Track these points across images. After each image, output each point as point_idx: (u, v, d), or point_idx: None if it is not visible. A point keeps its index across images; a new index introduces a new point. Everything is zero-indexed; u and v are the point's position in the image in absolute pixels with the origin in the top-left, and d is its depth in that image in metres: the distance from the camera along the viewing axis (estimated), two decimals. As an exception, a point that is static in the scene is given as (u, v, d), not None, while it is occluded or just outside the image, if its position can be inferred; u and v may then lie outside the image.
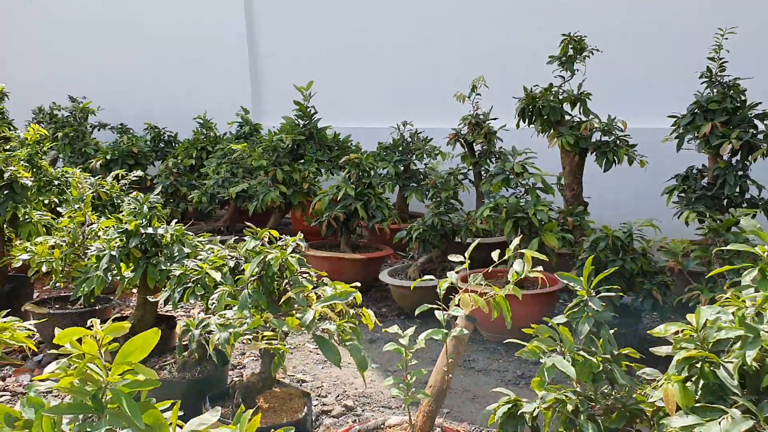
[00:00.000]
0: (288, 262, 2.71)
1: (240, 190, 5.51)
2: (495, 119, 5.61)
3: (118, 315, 4.18)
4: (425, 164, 6.14)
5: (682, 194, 4.41)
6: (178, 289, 3.14)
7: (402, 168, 5.99)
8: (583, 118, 4.82)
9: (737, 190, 4.15)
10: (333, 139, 6.46)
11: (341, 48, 7.66)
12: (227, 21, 8.51)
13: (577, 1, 6.01)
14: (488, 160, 5.63)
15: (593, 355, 2.01)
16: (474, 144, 5.63)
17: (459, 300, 2.42)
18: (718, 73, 4.32)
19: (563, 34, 4.77)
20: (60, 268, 3.76)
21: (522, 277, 2.28)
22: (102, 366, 1.39)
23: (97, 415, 1.37)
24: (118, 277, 3.53)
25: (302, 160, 6.00)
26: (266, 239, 2.89)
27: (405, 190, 5.93)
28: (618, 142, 4.65)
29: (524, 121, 4.93)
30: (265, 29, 8.39)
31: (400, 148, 6.18)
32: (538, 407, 2.04)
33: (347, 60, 7.63)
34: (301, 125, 6.29)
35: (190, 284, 3.10)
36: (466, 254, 2.40)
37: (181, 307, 4.47)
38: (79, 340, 1.42)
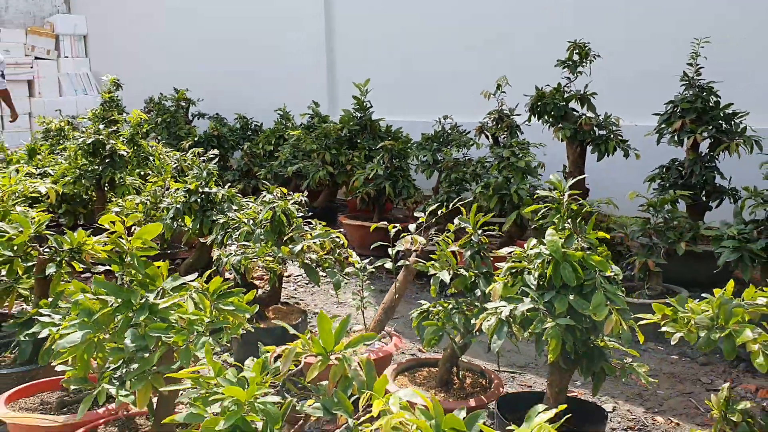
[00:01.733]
0: (289, 209, 3.70)
1: (295, 169, 6.58)
2: (518, 115, 6.37)
3: (184, 257, 5.31)
4: (463, 154, 6.97)
5: (661, 182, 5.06)
6: (221, 233, 4.20)
7: (440, 156, 6.85)
8: (590, 115, 5.54)
9: (703, 179, 4.78)
10: (385, 131, 7.40)
11: (404, 50, 8.60)
12: (307, 24, 9.62)
13: (587, 13, 6.68)
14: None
15: (467, 271, 2.88)
16: (497, 136, 6.42)
17: (408, 239, 3.32)
18: (695, 77, 4.94)
19: (569, 41, 5.50)
20: (141, 219, 4.92)
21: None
22: (126, 239, 2.41)
23: (121, 267, 2.40)
24: (185, 228, 4.63)
25: (355, 148, 6.99)
26: (278, 194, 3.89)
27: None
28: (611, 135, 5.35)
29: (534, 116, 5.70)
30: (340, 32, 9.44)
31: (441, 139, 7.04)
32: (432, 308, 2.93)
33: (407, 61, 8.56)
34: (357, 117, 7.28)
35: (230, 229, 4.15)
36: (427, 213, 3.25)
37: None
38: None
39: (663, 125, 4.99)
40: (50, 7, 15.05)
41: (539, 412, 1.64)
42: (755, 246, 3.63)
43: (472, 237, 3.00)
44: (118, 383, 2.41)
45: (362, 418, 1.64)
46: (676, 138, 4.87)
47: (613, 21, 6.65)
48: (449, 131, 7.13)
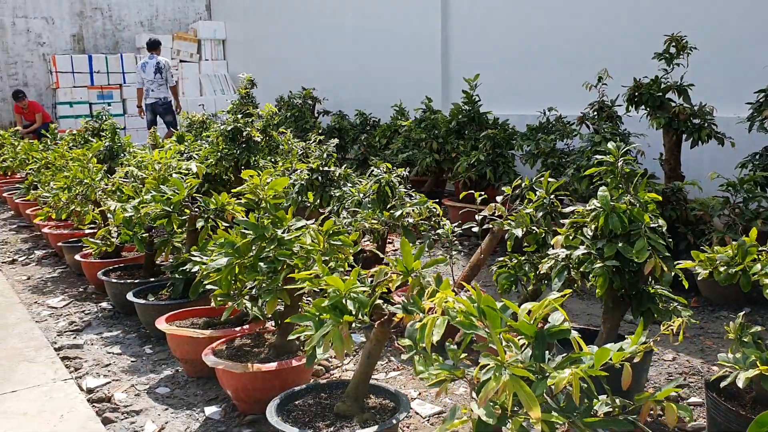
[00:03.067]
0: (392, 182, 4.30)
1: (405, 157, 7.20)
2: (619, 106, 6.67)
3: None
4: (566, 144, 7.34)
5: (752, 168, 5.25)
6: (337, 205, 4.88)
7: (544, 146, 7.25)
8: (685, 105, 5.79)
9: (792, 164, 4.95)
10: (492, 123, 7.88)
11: (514, 47, 9.03)
12: (424, 24, 10.25)
13: (687, 8, 6.84)
14: (615, 139, 6.71)
15: (538, 227, 3.37)
16: (598, 126, 6.74)
17: (492, 205, 3.84)
18: (788, 66, 5.11)
19: (665, 35, 5.78)
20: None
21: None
22: (262, 189, 3.10)
23: (257, 210, 3.08)
24: (308, 203, 5.34)
25: (463, 138, 7.52)
26: (384, 169, 4.50)
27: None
28: (705, 124, 5.58)
29: (632, 107, 6.00)
30: (455, 31, 9.99)
31: (544, 130, 7.43)
32: (508, 260, 3.44)
33: (517, 57, 8.98)
34: (466, 110, 7.81)
35: (344, 201, 4.81)
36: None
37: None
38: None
39: (754, 113, 5.19)
40: (193, 14, 16.58)
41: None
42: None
43: (544, 200, 3.48)
44: (252, 300, 3.11)
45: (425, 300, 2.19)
46: (766, 125, 5.05)
47: (714, 14, 6.81)
48: (553, 122, 7.52)
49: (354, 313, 2.24)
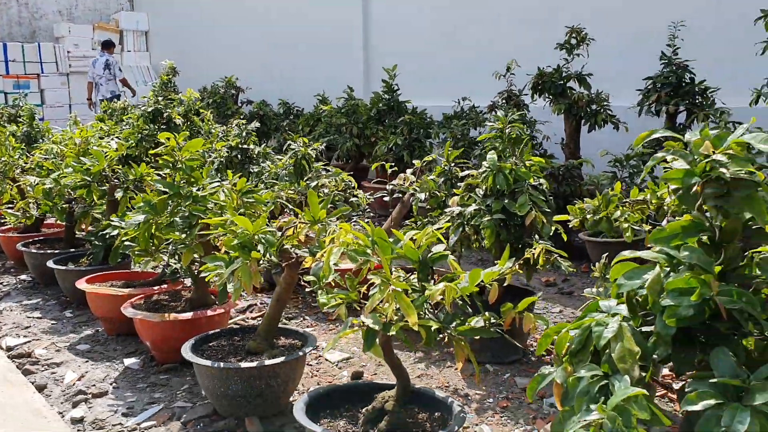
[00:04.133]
0: (308, 154, 4.54)
1: (327, 142, 7.44)
2: (526, 94, 7.10)
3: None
4: (479, 131, 7.73)
5: (642, 149, 5.73)
6: (255, 180, 5.07)
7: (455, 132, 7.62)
8: (584, 92, 6.24)
9: (675, 145, 5.44)
10: (411, 111, 8.20)
11: (431, 42, 9.39)
12: (346, 16, 10.51)
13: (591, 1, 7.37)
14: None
15: (440, 192, 3.67)
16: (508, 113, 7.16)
17: (402, 176, 4.12)
18: (672, 57, 5.61)
19: (566, 26, 6.22)
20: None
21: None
22: (178, 150, 3.28)
23: (173, 170, 3.27)
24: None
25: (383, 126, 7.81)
26: (300, 144, 4.73)
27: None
28: (601, 110, 6.04)
29: (536, 94, 6.42)
30: (376, 22, 10.30)
31: (459, 119, 7.81)
32: (413, 222, 3.73)
33: (434, 51, 9.35)
34: (386, 99, 8.10)
35: (262, 177, 5.01)
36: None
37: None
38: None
39: (643, 99, 5.67)
40: (115, 5, 16.31)
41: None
42: (694, 190, 4.31)
43: (445, 168, 3.79)
44: (170, 256, 3.29)
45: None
46: (652, 110, 5.54)
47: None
48: (467, 111, 7.90)
49: (262, 252, 2.47)
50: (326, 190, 4.40)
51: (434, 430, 2.21)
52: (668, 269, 1.54)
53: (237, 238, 2.46)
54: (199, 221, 3.07)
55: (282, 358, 2.63)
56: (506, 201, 3.16)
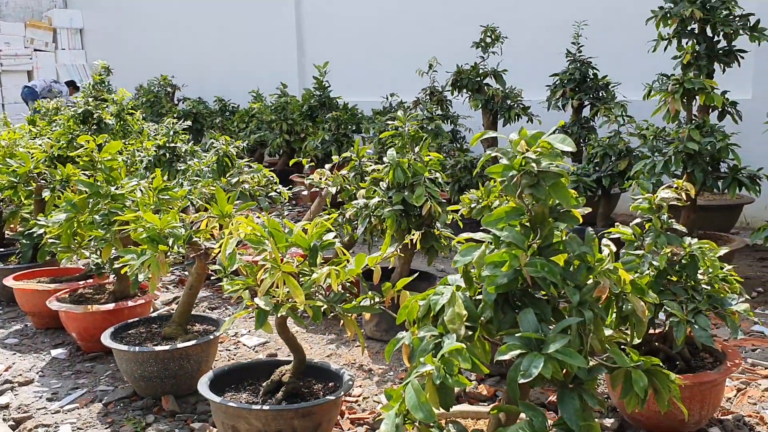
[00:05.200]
0: (230, 152, 4.77)
1: (258, 138, 7.66)
2: (449, 90, 7.44)
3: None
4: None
5: (551, 141, 6.13)
6: (181, 178, 5.27)
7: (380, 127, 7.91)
8: (499, 87, 6.60)
9: (580, 136, 5.85)
10: (342, 107, 8.46)
11: (362, 38, 9.66)
12: (280, 14, 10.69)
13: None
14: (444, 121, 7.47)
15: (350, 186, 3.96)
16: (432, 109, 7.48)
17: (319, 171, 4.38)
18: (577, 54, 6.02)
19: (481, 25, 6.57)
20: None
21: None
22: (97, 152, 3.48)
23: (93, 171, 3.47)
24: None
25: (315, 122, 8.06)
26: (222, 142, 4.95)
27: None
28: (515, 105, 6.41)
29: (456, 91, 6.76)
30: (308, 20, 10.51)
31: (387, 114, 8.11)
32: (327, 214, 4.00)
33: (364, 48, 9.62)
34: (317, 95, 8.34)
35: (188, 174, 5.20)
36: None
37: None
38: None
39: (550, 94, 6.07)
40: (48, 2, 16.09)
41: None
42: (588, 179, 4.71)
43: (356, 163, 4.08)
44: (93, 252, 3.50)
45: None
46: (559, 104, 5.94)
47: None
48: (395, 107, 8.21)
49: (170, 244, 2.72)
50: (247, 186, 4.63)
51: (325, 394, 2.50)
52: (493, 247, 1.85)
53: (146, 232, 2.70)
54: (117, 218, 3.29)
55: (193, 342, 2.88)
56: (406, 193, 3.46)
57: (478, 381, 3.07)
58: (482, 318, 1.83)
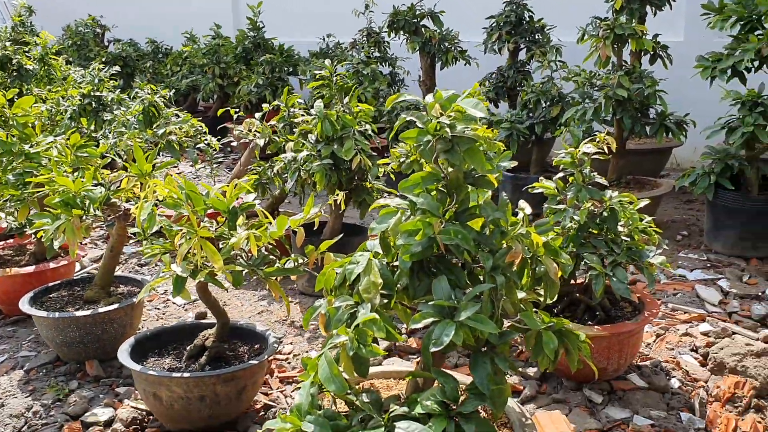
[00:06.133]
0: (156, 102, 4.59)
1: (189, 83, 7.41)
2: (385, 32, 7.28)
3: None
4: (346, 69, 7.88)
5: (488, 84, 6.10)
6: (109, 128, 5.07)
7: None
8: (436, 30, 6.48)
9: (516, 80, 5.83)
10: (278, 49, 8.22)
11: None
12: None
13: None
14: (382, 63, 7.34)
15: (279, 137, 3.86)
16: (370, 50, 7.34)
17: (247, 122, 4.26)
18: (514, -4, 5.94)
19: (418, -36, 6.40)
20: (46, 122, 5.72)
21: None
22: (8, 108, 3.30)
23: (5, 128, 3.29)
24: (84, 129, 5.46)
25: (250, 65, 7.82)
26: (148, 91, 4.76)
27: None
28: (451, 48, 6.33)
29: (392, 32, 6.62)
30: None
31: (325, 56, 7.92)
32: (257, 167, 3.91)
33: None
34: (251, 37, 8.07)
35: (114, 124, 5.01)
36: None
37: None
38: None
39: (487, 37, 6.00)
40: (-38, -67, 15.01)
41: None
42: (521, 126, 4.71)
43: (284, 113, 3.98)
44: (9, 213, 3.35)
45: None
46: (495, 48, 5.89)
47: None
48: (332, 48, 8.03)
49: (85, 208, 2.62)
50: (174, 137, 4.49)
51: (250, 358, 2.48)
52: (409, 213, 1.83)
53: (59, 196, 2.59)
54: (30, 179, 3.14)
55: (116, 305, 2.82)
56: (335, 146, 3.40)
57: (408, 335, 3.11)
58: (399, 285, 1.82)
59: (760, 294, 3.45)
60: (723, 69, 4.45)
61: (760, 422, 2.49)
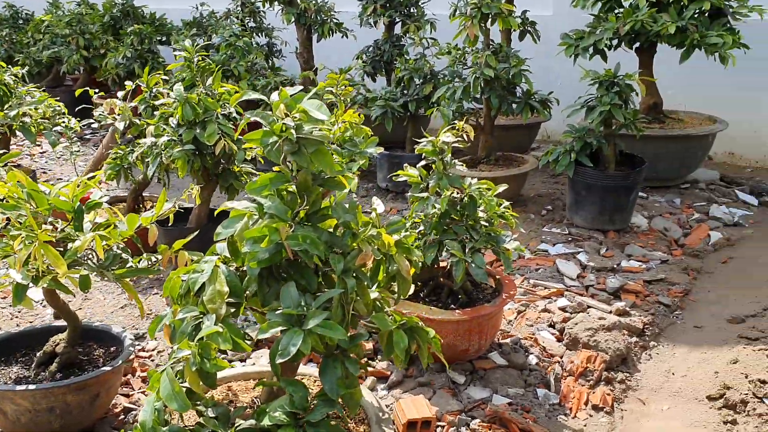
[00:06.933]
0: (6, 80, 4.25)
1: (51, 54, 6.93)
2: (261, 1, 7.07)
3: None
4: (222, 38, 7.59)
5: (365, 58, 6.06)
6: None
7: (200, 41, 7.44)
8: (312, 1, 6.34)
9: (391, 55, 5.83)
10: (150, 17, 7.81)
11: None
12: None
13: None
14: (258, 33, 7.14)
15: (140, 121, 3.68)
16: (245, 20, 7.11)
17: (109, 102, 4.02)
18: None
19: (290, -67, 6.21)
20: None
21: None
22: None
23: None
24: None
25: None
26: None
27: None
28: (327, 20, 6.23)
29: (267, 2, 6.43)
30: None
31: (199, 25, 7.60)
32: (118, 152, 3.71)
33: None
34: (119, 4, 7.61)
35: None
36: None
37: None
38: None
39: (362, 10, 5.94)
40: None
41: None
42: (395, 104, 4.72)
43: (146, 94, 3.78)
44: None
45: None
46: (370, 21, 5.84)
47: None
48: (206, 17, 7.71)
49: None
50: (29, 119, 4.19)
51: (105, 362, 2.38)
52: (257, 217, 1.78)
53: None
54: None
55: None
56: (197, 131, 3.27)
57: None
58: (248, 291, 1.78)
59: (615, 266, 3.65)
60: (585, 47, 4.65)
61: (609, 394, 2.65)
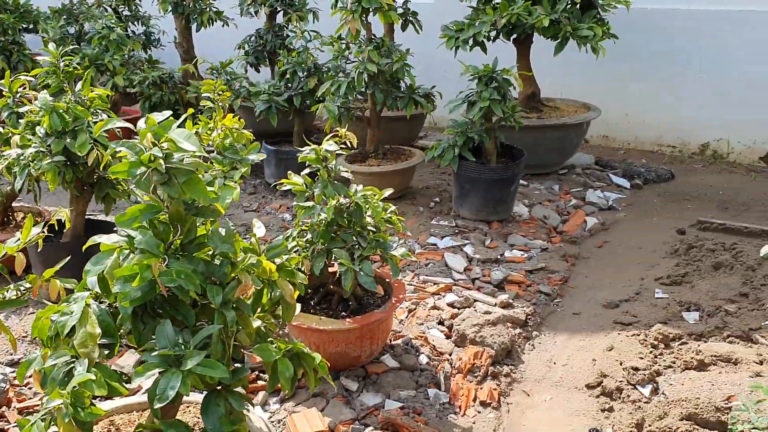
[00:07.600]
0: None
1: None
2: (137, -12, 6.75)
3: None
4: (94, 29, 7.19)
5: (247, 48, 5.91)
6: None
7: (72, 30, 7.00)
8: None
9: (275, 44, 5.72)
10: (13, 4, 7.26)
11: None
12: None
13: None
14: (134, 22, 6.81)
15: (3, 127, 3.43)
16: (119, 8, 6.76)
17: None
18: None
19: None
20: None
21: None
22: None
23: None
24: None
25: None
26: None
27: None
28: (206, 9, 6.01)
29: (143, -9, 6.13)
30: None
31: (69, 13, 7.15)
32: None
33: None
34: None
35: None
36: None
37: None
38: None
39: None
40: None
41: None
42: (280, 99, 4.65)
43: (8, 100, 3.53)
44: None
45: None
46: (251, 11, 5.70)
47: None
48: (77, 5, 7.27)
49: None
50: None
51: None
52: (128, 251, 1.71)
53: None
54: None
55: None
56: (68, 140, 3.09)
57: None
58: (122, 330, 1.70)
59: (499, 257, 3.77)
60: (465, 39, 4.73)
61: (495, 389, 2.75)
